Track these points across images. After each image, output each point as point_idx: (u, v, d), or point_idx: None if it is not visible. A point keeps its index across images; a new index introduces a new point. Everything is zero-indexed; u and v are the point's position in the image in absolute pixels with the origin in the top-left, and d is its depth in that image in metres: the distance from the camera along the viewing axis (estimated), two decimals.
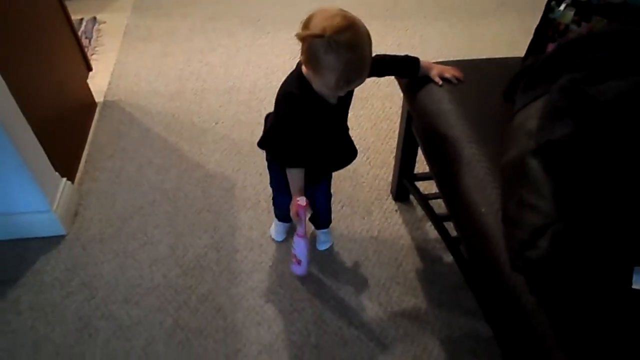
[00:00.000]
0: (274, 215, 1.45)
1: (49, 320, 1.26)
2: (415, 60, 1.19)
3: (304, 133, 1.07)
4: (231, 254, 1.42)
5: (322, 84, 1.00)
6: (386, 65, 1.17)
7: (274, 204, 1.40)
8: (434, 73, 1.19)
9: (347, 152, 1.24)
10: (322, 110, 1.06)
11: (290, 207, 1.15)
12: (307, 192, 1.17)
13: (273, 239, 1.45)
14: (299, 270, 1.29)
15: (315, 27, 0.92)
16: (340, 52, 0.92)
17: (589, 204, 0.74)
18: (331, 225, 1.44)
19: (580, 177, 0.75)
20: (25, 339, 1.23)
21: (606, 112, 0.74)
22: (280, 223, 1.44)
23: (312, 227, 1.44)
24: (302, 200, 1.12)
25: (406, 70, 1.21)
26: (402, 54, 1.20)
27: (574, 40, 0.95)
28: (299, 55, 1.01)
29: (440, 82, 1.18)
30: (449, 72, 1.19)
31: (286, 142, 1.09)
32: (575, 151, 0.74)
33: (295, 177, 1.12)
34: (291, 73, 1.07)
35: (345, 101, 1.11)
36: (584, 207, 0.75)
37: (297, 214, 1.13)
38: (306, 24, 0.94)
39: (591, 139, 0.73)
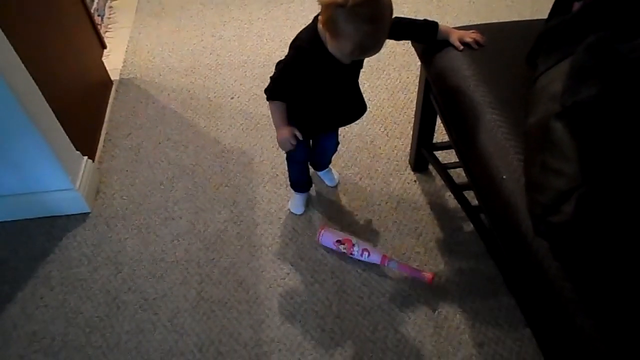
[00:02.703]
0: (291, 189, 1.45)
1: (79, 294, 1.31)
2: (434, 24, 1.16)
3: (303, 83, 1.08)
4: (251, 228, 1.43)
5: (337, 49, 1.00)
6: (403, 29, 1.14)
7: (288, 159, 1.38)
8: (454, 37, 1.16)
9: (357, 107, 1.25)
10: (332, 68, 1.06)
11: (278, 139, 1.18)
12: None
13: (292, 212, 1.46)
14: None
15: None
16: (360, 24, 0.91)
17: (615, 167, 0.72)
18: (350, 195, 1.48)
19: (607, 139, 0.72)
20: (58, 312, 1.27)
21: (636, 70, 0.71)
22: (299, 195, 1.45)
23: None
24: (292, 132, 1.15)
25: (424, 34, 1.19)
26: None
27: None
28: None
29: (461, 47, 1.14)
30: (470, 36, 1.15)
31: (278, 78, 1.10)
32: (602, 112, 0.72)
33: (275, 110, 1.14)
34: (307, 26, 1.07)
35: (358, 61, 1.10)
36: (610, 171, 0.72)
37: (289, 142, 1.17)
38: None
39: (619, 99, 0.70)
